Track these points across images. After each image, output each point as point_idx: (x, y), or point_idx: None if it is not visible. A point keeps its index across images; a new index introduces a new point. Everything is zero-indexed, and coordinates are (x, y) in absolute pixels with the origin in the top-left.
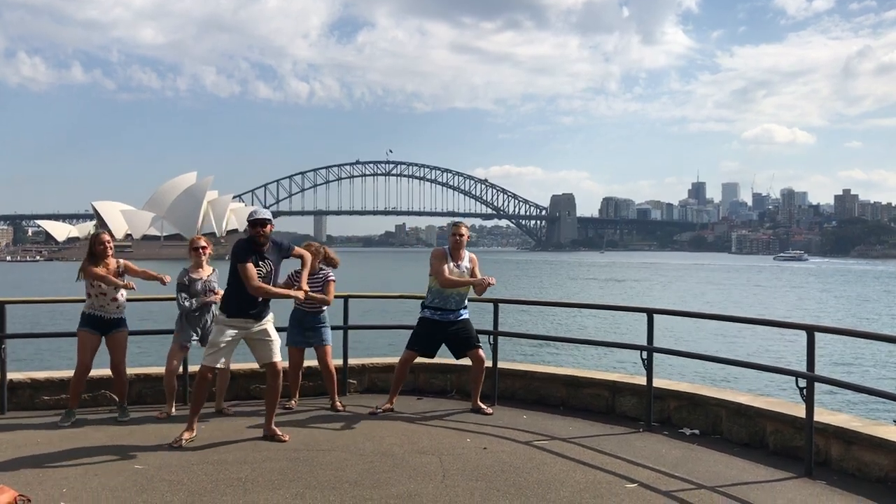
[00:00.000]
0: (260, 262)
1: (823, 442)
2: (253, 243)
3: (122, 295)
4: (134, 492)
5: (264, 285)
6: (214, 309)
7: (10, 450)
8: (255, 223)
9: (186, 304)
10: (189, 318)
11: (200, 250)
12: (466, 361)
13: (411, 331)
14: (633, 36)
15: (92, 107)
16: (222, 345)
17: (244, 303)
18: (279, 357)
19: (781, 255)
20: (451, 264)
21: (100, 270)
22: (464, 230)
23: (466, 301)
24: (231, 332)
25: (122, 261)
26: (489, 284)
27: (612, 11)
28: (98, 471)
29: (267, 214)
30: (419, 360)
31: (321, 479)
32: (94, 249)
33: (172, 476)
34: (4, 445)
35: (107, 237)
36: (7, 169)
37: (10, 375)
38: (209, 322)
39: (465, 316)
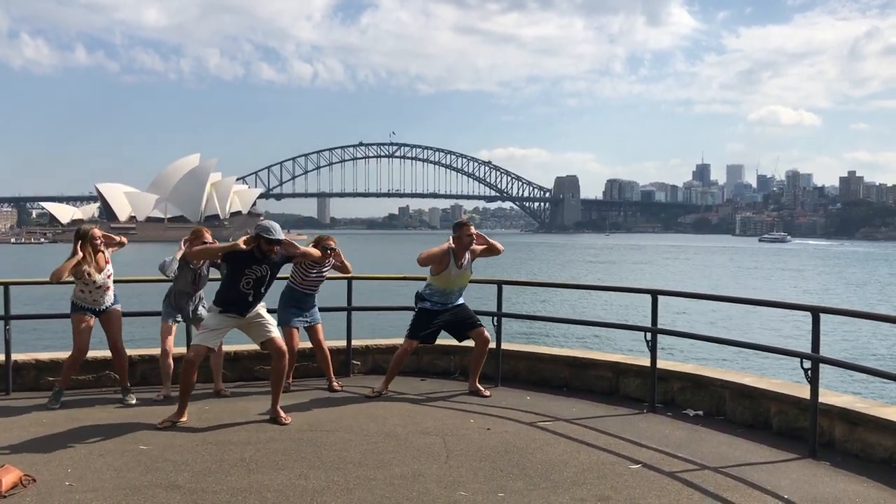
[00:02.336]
0: (254, 266)
1: (828, 423)
2: (252, 252)
3: (109, 282)
4: (139, 472)
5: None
6: (203, 299)
7: (15, 430)
8: (271, 242)
9: (169, 273)
10: (177, 298)
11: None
12: (470, 343)
13: (412, 316)
14: (639, 17)
15: (95, 89)
16: (214, 328)
17: (234, 302)
18: (277, 334)
19: (766, 236)
20: (456, 267)
21: (91, 268)
22: (473, 229)
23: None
24: (225, 321)
25: (107, 254)
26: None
27: None
28: (103, 451)
29: (282, 235)
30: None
31: (325, 459)
32: (91, 245)
33: (177, 456)
34: (9, 426)
35: (98, 232)
36: (11, 151)
37: (15, 356)
38: (192, 306)
39: (461, 301)
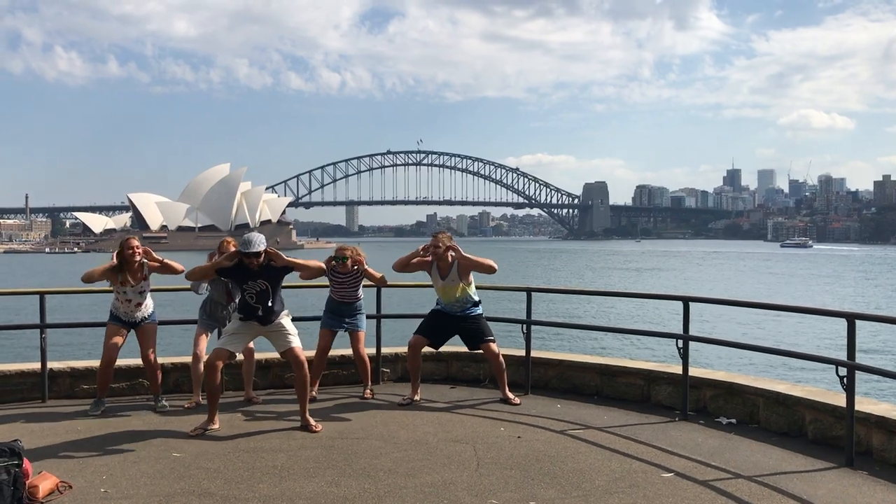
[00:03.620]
0: (249, 282)
1: (865, 431)
2: (241, 266)
3: (147, 298)
4: (172, 479)
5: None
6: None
7: (51, 437)
8: (249, 255)
9: (200, 291)
10: (213, 308)
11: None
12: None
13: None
14: (666, 22)
15: (127, 100)
16: (234, 333)
17: (248, 313)
18: (297, 344)
19: (788, 241)
20: (440, 279)
21: (121, 279)
22: (441, 240)
23: (476, 297)
24: (245, 327)
25: (145, 261)
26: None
27: None
28: (137, 458)
29: (260, 247)
30: (452, 349)
31: (356, 467)
32: (124, 254)
33: (209, 464)
34: (46, 433)
35: (136, 242)
36: (45, 162)
37: (51, 364)
38: (227, 315)
39: (477, 312)
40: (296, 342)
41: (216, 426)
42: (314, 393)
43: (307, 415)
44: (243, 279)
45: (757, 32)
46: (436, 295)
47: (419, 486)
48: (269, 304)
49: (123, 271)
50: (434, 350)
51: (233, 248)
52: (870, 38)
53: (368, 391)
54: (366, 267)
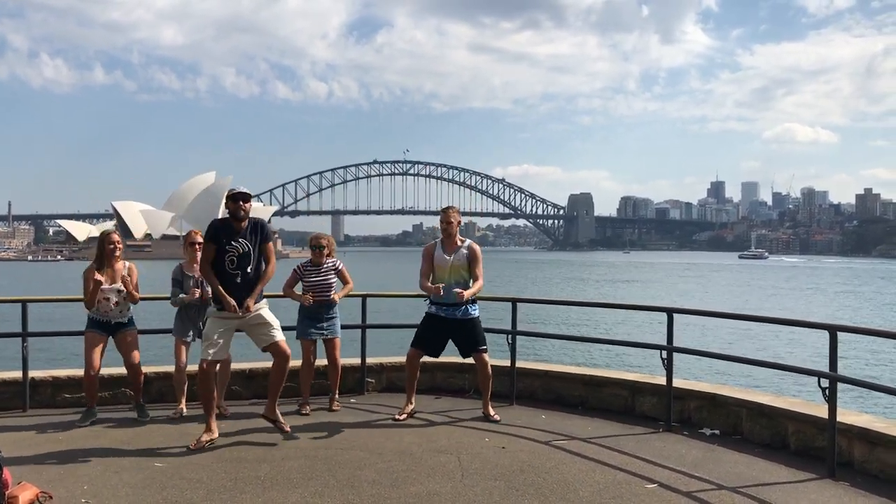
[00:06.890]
0: (233, 242)
1: (846, 443)
2: (228, 221)
3: (118, 298)
4: (154, 489)
5: (206, 269)
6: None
7: (31, 447)
8: (236, 197)
9: (175, 299)
10: (186, 313)
11: (197, 246)
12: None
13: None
14: (653, 35)
15: (112, 108)
16: (216, 337)
17: (225, 289)
18: (282, 338)
19: (745, 253)
20: (444, 255)
21: (102, 277)
22: (452, 217)
23: (471, 294)
24: (223, 324)
25: (128, 264)
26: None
27: (631, 10)
28: (118, 468)
29: (247, 190)
30: (436, 359)
31: (340, 477)
32: (104, 249)
33: (192, 474)
34: (26, 443)
35: (117, 237)
36: (29, 170)
37: (32, 373)
38: (202, 319)
39: (474, 314)
40: (280, 336)
41: (216, 435)
42: (307, 411)
43: (276, 409)
44: (228, 238)
45: (742, 46)
46: (421, 305)
47: (403, 497)
48: (251, 272)
49: (104, 267)
50: (434, 359)
51: (199, 239)
52: (853, 52)
53: (337, 403)
54: (339, 265)
